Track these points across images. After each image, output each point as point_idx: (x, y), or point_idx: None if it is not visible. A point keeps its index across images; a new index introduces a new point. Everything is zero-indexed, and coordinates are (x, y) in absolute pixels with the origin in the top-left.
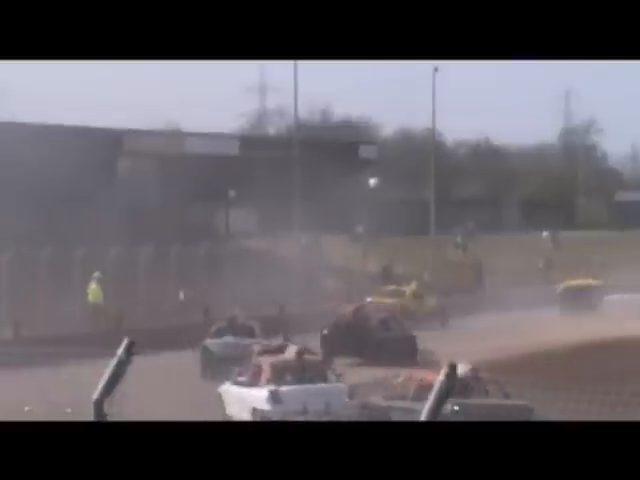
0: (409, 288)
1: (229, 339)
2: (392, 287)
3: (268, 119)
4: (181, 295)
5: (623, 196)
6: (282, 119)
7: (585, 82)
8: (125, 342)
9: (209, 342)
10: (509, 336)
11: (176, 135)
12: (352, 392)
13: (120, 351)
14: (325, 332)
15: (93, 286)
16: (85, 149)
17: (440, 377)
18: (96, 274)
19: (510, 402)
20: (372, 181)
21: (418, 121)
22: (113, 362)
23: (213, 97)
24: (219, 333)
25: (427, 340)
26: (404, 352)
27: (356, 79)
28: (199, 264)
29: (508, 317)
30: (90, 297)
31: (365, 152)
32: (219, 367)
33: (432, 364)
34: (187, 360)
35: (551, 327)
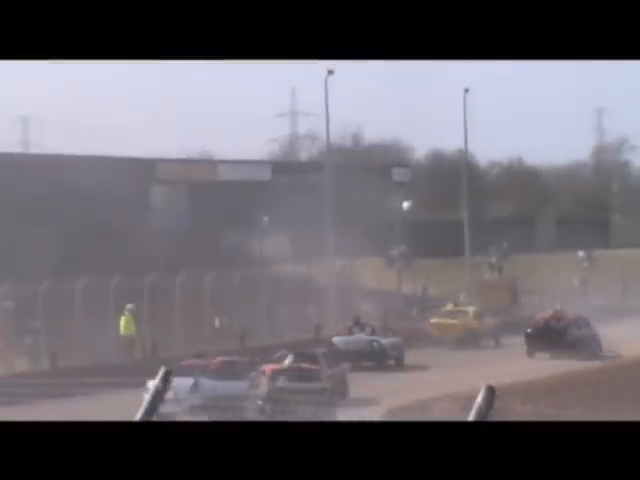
0: (471, 309)
1: (356, 336)
2: (452, 307)
3: (300, 144)
4: (217, 322)
5: None
6: (313, 144)
7: (617, 99)
8: (161, 371)
9: (336, 339)
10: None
11: (208, 162)
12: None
13: (157, 380)
14: (529, 331)
15: (124, 318)
16: (119, 178)
17: (478, 399)
18: (129, 306)
19: None
20: (405, 204)
21: (450, 142)
22: (150, 391)
23: (244, 123)
24: (347, 331)
25: (486, 359)
26: (591, 348)
27: (386, 101)
28: (234, 290)
29: None
30: (122, 330)
31: (398, 175)
32: (344, 359)
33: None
34: None
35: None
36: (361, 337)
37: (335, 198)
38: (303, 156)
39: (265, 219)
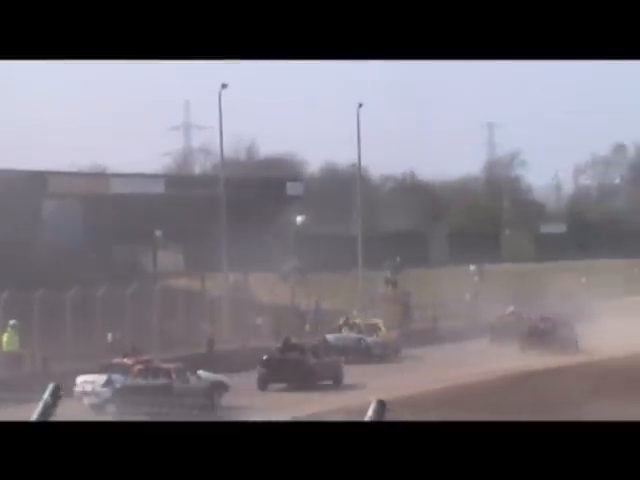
0: (380, 321)
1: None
2: (360, 320)
3: (193, 157)
4: (109, 337)
5: (547, 228)
6: (207, 157)
7: (508, 114)
8: (51, 386)
9: (329, 337)
10: (446, 368)
11: (101, 175)
12: None
13: (46, 395)
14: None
15: (7, 334)
16: (9, 191)
17: (369, 412)
18: (11, 322)
19: None
20: (299, 218)
21: (343, 156)
22: (39, 406)
23: (137, 137)
24: (337, 329)
25: (384, 371)
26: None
27: (281, 116)
28: (126, 304)
29: (442, 349)
30: (5, 346)
31: (292, 189)
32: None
33: None
34: None
35: (482, 358)
36: (350, 335)
37: (229, 212)
38: (197, 170)
39: (158, 233)
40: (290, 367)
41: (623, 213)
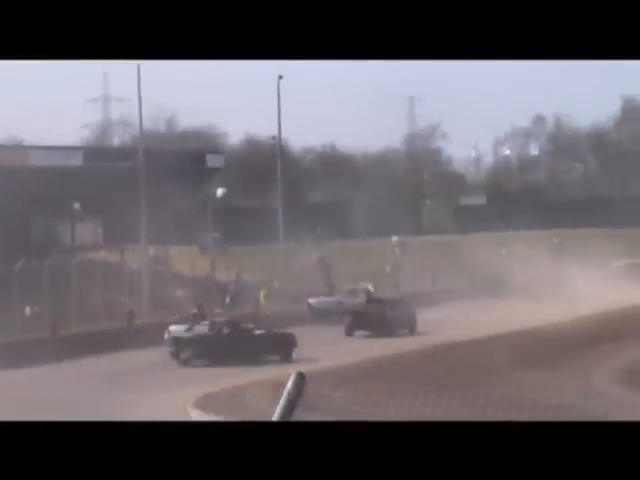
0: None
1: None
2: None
3: (112, 130)
4: (27, 311)
5: (467, 200)
6: (126, 129)
7: (429, 85)
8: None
9: (311, 300)
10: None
11: (18, 148)
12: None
13: (289, 385)
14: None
15: None
16: None
17: (288, 386)
18: None
19: None
20: (220, 190)
21: (264, 129)
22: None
23: (55, 109)
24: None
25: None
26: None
27: (201, 87)
28: (44, 278)
29: None
30: None
31: (212, 161)
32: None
33: None
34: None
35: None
36: (331, 299)
37: (148, 184)
38: (116, 142)
39: (77, 205)
40: (372, 318)
41: (542, 184)
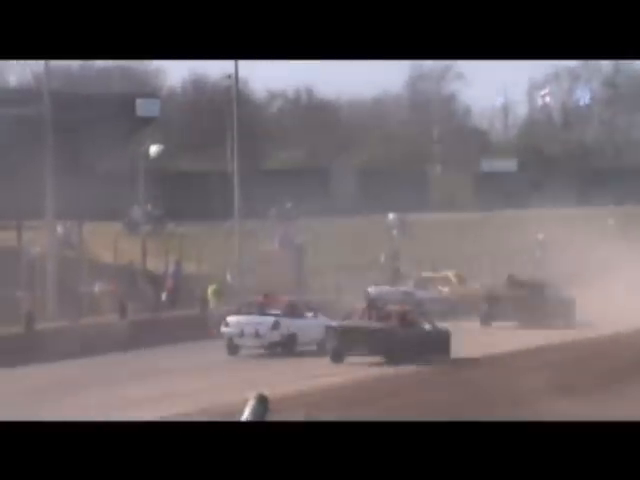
0: (451, 273)
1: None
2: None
3: (7, 66)
4: None
5: (491, 165)
6: (26, 66)
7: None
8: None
9: (371, 290)
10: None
11: None
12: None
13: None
14: None
15: None
16: None
17: (250, 401)
18: None
19: None
20: (154, 148)
21: (215, 65)
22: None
23: None
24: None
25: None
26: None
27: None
28: None
29: None
30: None
31: (143, 108)
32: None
33: None
34: None
35: None
36: (397, 289)
37: (56, 140)
38: (13, 82)
39: None
40: (516, 305)
41: (594, 145)
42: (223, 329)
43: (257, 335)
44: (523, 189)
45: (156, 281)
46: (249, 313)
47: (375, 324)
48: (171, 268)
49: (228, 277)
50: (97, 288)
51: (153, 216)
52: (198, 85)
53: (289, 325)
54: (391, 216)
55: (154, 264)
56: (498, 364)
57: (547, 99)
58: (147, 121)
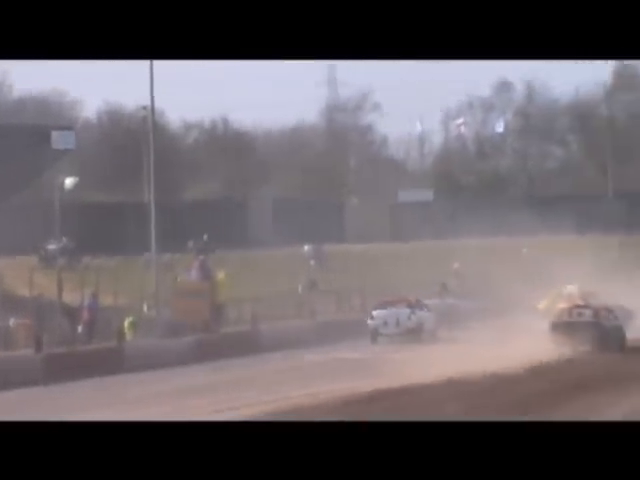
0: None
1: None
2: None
3: None
4: None
5: (408, 195)
6: None
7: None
8: None
9: (429, 302)
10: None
11: None
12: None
13: None
14: None
15: None
16: None
17: None
18: None
19: None
20: (69, 180)
21: (131, 96)
22: None
23: None
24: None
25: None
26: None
27: None
28: None
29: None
30: None
31: (58, 140)
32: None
33: None
34: None
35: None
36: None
37: None
38: None
39: None
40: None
41: (508, 174)
42: (369, 322)
43: (397, 324)
44: (439, 219)
45: (72, 314)
46: (385, 308)
47: (588, 319)
48: (87, 301)
49: (145, 309)
50: (12, 322)
51: (68, 249)
52: (114, 116)
53: (419, 315)
54: (307, 247)
55: (70, 297)
56: None
57: (462, 129)
58: (62, 153)
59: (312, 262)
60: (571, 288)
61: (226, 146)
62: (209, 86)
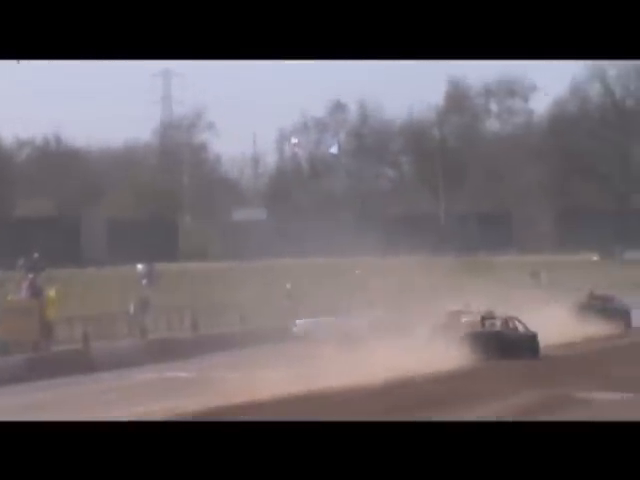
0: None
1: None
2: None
3: None
4: None
5: (242, 214)
6: None
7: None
8: None
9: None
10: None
11: None
12: None
13: None
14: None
15: None
16: None
17: None
18: None
19: None
20: None
21: None
22: None
23: None
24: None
25: None
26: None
27: None
28: None
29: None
30: None
31: None
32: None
33: None
34: None
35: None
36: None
37: None
38: None
39: None
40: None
41: (342, 194)
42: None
43: None
44: (273, 238)
45: None
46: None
47: (495, 329)
48: None
49: None
50: None
51: None
52: None
53: None
54: (140, 266)
55: None
56: None
57: (296, 149)
58: None
59: (144, 281)
60: (465, 304)
61: (59, 163)
62: (42, 101)
